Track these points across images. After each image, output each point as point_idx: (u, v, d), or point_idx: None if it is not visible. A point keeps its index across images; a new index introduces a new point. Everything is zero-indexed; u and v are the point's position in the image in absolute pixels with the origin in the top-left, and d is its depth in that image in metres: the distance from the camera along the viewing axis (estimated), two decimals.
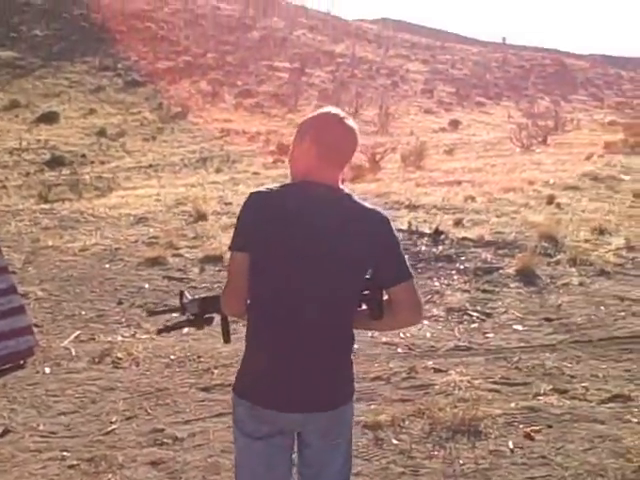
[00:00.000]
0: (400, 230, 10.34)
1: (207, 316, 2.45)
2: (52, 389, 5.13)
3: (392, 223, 2.29)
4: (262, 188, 2.33)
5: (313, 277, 2.21)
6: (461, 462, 3.89)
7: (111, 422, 4.54)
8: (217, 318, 2.47)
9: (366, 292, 2.30)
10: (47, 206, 14.53)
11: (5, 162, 24.70)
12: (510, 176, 16.79)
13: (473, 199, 14.31)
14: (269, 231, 2.22)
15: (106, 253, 9.68)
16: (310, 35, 65.39)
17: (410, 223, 10.58)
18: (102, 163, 25.56)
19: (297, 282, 2.22)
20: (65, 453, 4.11)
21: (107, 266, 8.95)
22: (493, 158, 23.35)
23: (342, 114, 2.33)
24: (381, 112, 42.78)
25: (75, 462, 3.99)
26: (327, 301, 2.23)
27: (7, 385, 5.26)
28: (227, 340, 2.46)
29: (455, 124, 38.55)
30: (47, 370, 5.55)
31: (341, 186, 2.30)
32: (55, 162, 24.48)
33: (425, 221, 11.28)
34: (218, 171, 24.75)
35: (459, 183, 17.62)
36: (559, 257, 8.72)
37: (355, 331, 2.40)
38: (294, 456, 2.43)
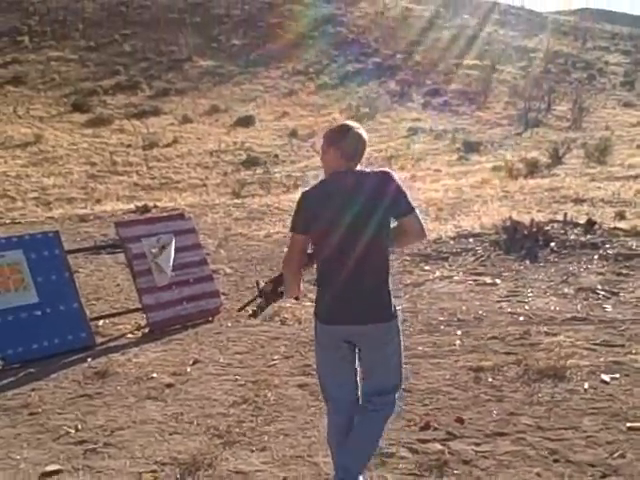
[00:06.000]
0: (555, 221, 11.03)
1: (279, 290, 3.50)
2: (231, 337, 6.58)
3: (395, 175, 3.31)
4: (308, 188, 3.44)
5: (355, 233, 3.25)
6: (540, 395, 4.78)
7: (273, 359, 5.86)
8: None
9: None
10: (239, 201, 16.46)
11: (206, 163, 27.41)
12: None
13: None
14: (320, 212, 3.28)
15: (286, 239, 11.16)
16: (502, 31, 64.74)
17: (566, 214, 11.18)
18: (292, 162, 27.63)
19: (345, 239, 3.25)
20: (237, 377, 5.46)
21: (285, 249, 10.39)
22: None
23: (353, 124, 3.40)
24: (574, 106, 42.09)
25: (243, 382, 5.33)
26: (367, 247, 3.26)
27: (198, 333, 6.79)
28: (255, 315, 3.58)
29: None
30: (229, 324, 7.01)
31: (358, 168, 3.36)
32: (250, 162, 26.81)
33: (587, 214, 11.81)
34: (402, 168, 25.91)
35: (636, 177, 17.68)
36: None
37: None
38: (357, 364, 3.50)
